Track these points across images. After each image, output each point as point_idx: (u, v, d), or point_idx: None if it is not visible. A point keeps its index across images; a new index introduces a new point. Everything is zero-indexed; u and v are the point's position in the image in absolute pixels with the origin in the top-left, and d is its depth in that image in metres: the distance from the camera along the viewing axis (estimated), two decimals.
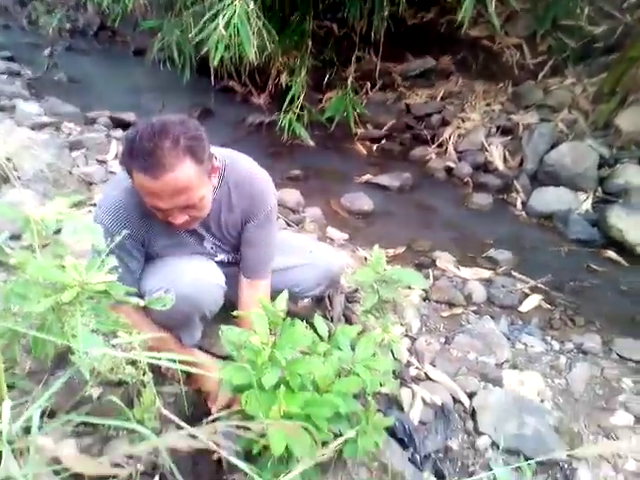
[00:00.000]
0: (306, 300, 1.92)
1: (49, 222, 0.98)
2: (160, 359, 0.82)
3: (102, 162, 3.16)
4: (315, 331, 1.32)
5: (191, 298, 1.33)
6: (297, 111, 4.10)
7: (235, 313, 1.31)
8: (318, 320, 1.30)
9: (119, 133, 3.68)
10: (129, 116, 3.97)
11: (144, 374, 1.16)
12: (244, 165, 1.46)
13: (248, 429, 0.91)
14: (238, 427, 0.93)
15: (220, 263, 1.52)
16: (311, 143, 4.09)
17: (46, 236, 1.02)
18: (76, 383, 1.58)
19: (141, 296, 1.32)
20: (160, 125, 1.17)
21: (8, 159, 2.85)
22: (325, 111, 4.42)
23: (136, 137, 1.15)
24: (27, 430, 1.19)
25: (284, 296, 1.24)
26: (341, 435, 1.15)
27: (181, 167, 1.16)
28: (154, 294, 1.30)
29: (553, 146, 3.81)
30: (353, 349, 1.32)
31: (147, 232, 1.40)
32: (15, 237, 2.26)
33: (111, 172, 3.02)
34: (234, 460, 0.84)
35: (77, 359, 0.78)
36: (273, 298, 1.26)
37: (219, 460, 1.47)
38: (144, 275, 1.42)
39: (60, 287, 0.89)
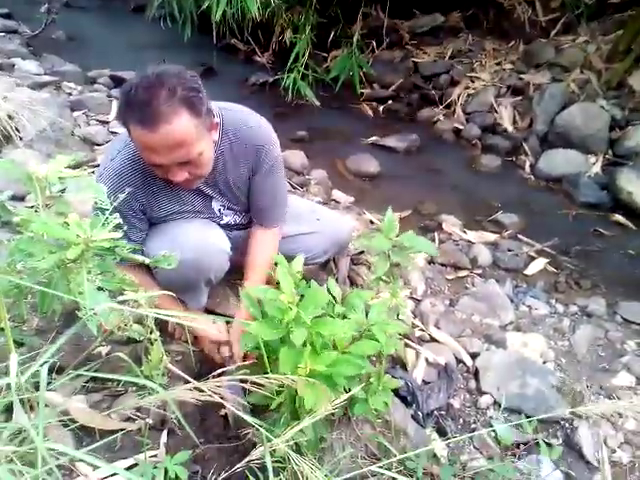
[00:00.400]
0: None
1: (53, 180, 0.96)
2: (167, 316, 0.83)
3: (104, 122, 3.10)
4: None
5: (196, 263, 1.32)
6: (302, 70, 4.00)
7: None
8: (332, 283, 1.30)
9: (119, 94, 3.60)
10: (130, 75, 3.88)
11: (151, 331, 1.17)
12: (243, 117, 1.41)
13: (260, 385, 0.92)
14: (252, 383, 0.94)
15: (226, 226, 1.51)
16: (316, 103, 4.01)
17: (50, 195, 1.01)
18: (84, 341, 1.61)
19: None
20: (156, 76, 1.13)
21: (10, 117, 2.81)
22: (330, 70, 4.30)
23: (131, 89, 1.12)
24: (37, 386, 1.21)
25: (300, 259, 1.24)
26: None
27: (178, 119, 1.13)
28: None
29: (564, 107, 3.71)
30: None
31: (151, 197, 1.38)
32: (17, 198, 2.25)
33: (113, 132, 2.97)
34: (243, 415, 0.85)
35: (84, 315, 0.78)
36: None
37: (226, 415, 1.50)
38: (147, 240, 1.41)
39: (65, 244, 0.89)
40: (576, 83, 3.91)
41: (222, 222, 1.52)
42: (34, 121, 2.86)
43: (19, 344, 1.15)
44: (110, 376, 0.80)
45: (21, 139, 2.83)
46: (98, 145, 2.81)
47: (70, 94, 3.35)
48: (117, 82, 3.82)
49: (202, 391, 0.67)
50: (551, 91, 3.77)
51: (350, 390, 1.21)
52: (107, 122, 3.11)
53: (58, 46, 4.56)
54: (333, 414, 1.31)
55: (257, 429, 1.25)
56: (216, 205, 1.49)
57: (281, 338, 1.15)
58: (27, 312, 1.06)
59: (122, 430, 1.42)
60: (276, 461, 1.21)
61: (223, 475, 1.07)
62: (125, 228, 0.97)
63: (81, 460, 1.15)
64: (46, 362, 0.65)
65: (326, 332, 1.16)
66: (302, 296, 1.19)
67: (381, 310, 1.32)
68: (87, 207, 1.45)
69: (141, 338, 1.19)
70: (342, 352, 1.19)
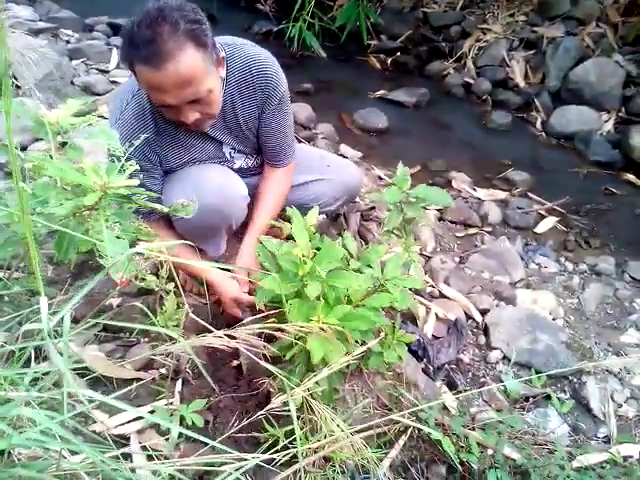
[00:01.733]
0: (321, 217, 1.90)
1: (64, 125, 0.92)
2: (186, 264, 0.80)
3: (104, 72, 3.01)
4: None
5: (219, 208, 1.31)
6: (308, 19, 3.84)
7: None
8: (348, 238, 1.28)
9: (119, 41, 3.47)
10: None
11: (167, 282, 1.16)
12: (248, 51, 1.35)
13: (274, 337, 0.91)
14: (266, 336, 0.93)
15: (238, 171, 1.48)
16: (323, 54, 3.87)
17: (61, 141, 0.98)
18: (96, 293, 1.60)
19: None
20: (157, 11, 1.07)
21: (7, 65, 2.71)
22: (336, 20, 4.14)
23: (133, 27, 1.06)
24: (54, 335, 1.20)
25: (315, 211, 1.22)
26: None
27: (184, 53, 1.09)
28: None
29: (578, 62, 3.60)
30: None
31: (165, 147, 1.34)
32: (22, 148, 2.20)
33: (113, 81, 2.88)
34: (263, 363, 0.85)
35: (105, 262, 0.76)
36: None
37: (237, 367, 1.52)
38: (166, 188, 1.38)
39: (80, 191, 0.86)
40: (591, 37, 3.78)
41: (235, 167, 1.49)
42: (32, 69, 2.77)
43: (33, 293, 1.14)
44: (129, 325, 0.78)
45: (19, 87, 2.75)
46: (99, 95, 2.73)
47: (68, 42, 3.23)
48: (116, 30, 3.68)
49: (233, 338, 0.65)
50: (565, 45, 3.64)
51: (364, 343, 1.21)
52: (107, 71, 3.01)
53: None
54: (348, 366, 1.33)
55: (274, 378, 1.27)
56: (227, 149, 1.46)
57: (296, 292, 1.14)
58: (41, 260, 1.05)
59: (137, 379, 1.44)
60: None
61: (243, 423, 1.08)
62: (141, 177, 0.94)
63: (108, 405, 1.15)
64: (72, 308, 0.63)
65: (340, 285, 1.14)
66: (317, 250, 1.18)
67: (396, 265, 1.31)
68: (97, 156, 1.41)
69: (157, 289, 1.18)
70: (355, 306, 1.19)
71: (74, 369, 1.30)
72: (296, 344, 1.17)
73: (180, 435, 1.31)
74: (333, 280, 1.11)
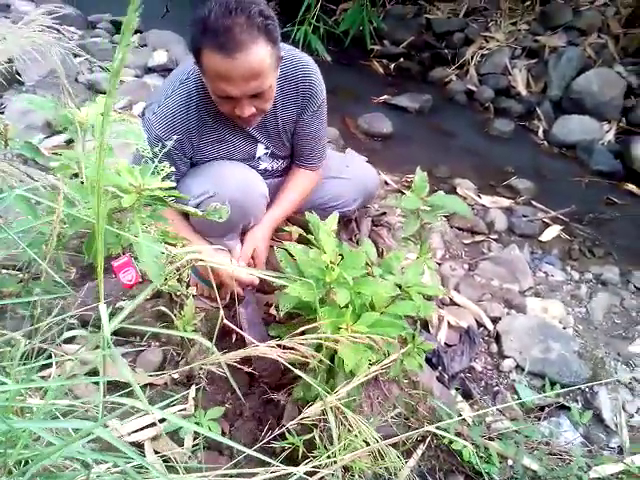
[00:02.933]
0: None
1: (95, 122, 0.90)
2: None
3: (107, 70, 2.97)
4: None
5: (240, 204, 1.30)
6: (313, 22, 3.83)
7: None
8: (368, 245, 1.27)
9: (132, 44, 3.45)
10: None
11: (188, 287, 1.14)
12: (294, 56, 1.36)
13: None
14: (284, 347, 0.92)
15: (261, 173, 1.47)
16: (327, 58, 3.86)
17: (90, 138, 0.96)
18: (106, 296, 1.57)
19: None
20: (234, 1, 1.07)
21: (9, 61, 2.67)
22: (339, 24, 4.13)
23: (210, 14, 1.06)
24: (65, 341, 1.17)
25: (335, 217, 1.21)
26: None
27: (256, 46, 1.09)
28: (200, 198, 1.27)
29: (580, 72, 3.63)
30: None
31: (200, 137, 1.34)
32: None
33: (120, 80, 2.85)
34: (296, 370, 0.83)
35: (144, 265, 0.74)
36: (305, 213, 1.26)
37: (251, 373, 1.49)
38: (186, 180, 1.37)
39: (113, 192, 0.84)
40: (593, 48, 3.81)
41: (259, 168, 1.49)
42: (35, 66, 2.73)
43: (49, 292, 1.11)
44: (160, 331, 0.76)
45: (22, 84, 2.71)
46: (104, 93, 2.70)
47: (71, 39, 3.18)
48: (119, 28, 3.64)
49: (286, 348, 0.64)
50: (568, 55, 3.67)
51: (387, 350, 1.20)
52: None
53: None
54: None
55: (289, 387, 1.25)
56: (261, 149, 1.47)
57: (320, 298, 1.13)
58: (65, 263, 1.03)
59: (148, 384, 1.41)
60: (309, 421, 1.21)
61: (265, 433, 1.06)
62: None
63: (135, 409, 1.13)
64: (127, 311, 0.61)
65: (367, 292, 1.14)
66: (341, 256, 1.17)
67: (416, 272, 1.30)
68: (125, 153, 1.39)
69: (178, 292, 1.16)
70: (380, 313, 1.18)
71: (85, 373, 1.27)
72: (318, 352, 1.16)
73: (195, 443, 1.29)
74: (359, 287, 1.10)
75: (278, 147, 1.48)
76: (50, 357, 1.11)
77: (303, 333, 1.04)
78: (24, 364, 0.87)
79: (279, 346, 0.86)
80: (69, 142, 2.27)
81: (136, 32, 3.66)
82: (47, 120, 2.26)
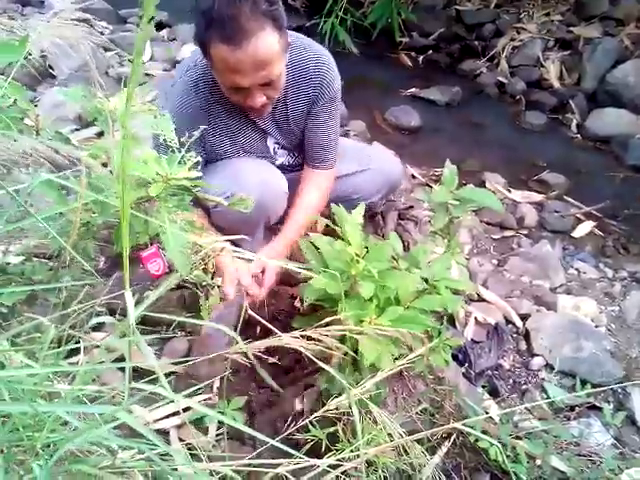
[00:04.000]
0: None
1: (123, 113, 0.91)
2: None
3: (131, 61, 3.01)
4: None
5: (260, 202, 1.28)
6: (340, 14, 3.80)
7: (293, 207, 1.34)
8: (393, 237, 1.25)
9: (152, 33, 3.49)
10: (161, 15, 3.74)
11: (213, 277, 1.14)
12: (305, 45, 1.33)
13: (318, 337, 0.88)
14: (308, 338, 0.91)
15: (280, 167, 1.46)
16: (354, 50, 3.83)
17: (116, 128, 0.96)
18: (133, 285, 1.59)
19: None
20: None
21: (42, 56, 2.73)
22: (367, 16, 4.09)
23: (213, 5, 1.04)
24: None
25: (361, 209, 1.19)
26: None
27: (263, 33, 1.07)
28: (221, 195, 1.26)
29: (616, 64, 3.51)
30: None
31: (211, 133, 1.33)
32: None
33: (147, 74, 2.88)
34: (319, 362, 0.82)
35: (171, 254, 0.74)
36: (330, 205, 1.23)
37: (274, 364, 1.50)
38: (205, 178, 1.37)
39: (138, 182, 0.84)
40: (630, 38, 3.67)
41: (277, 163, 1.47)
42: (67, 60, 2.79)
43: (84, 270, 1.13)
44: (191, 320, 0.76)
45: (54, 78, 2.76)
46: None
47: (102, 33, 3.24)
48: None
49: (311, 339, 0.63)
50: (604, 46, 3.55)
51: (412, 346, 1.18)
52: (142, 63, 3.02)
53: None
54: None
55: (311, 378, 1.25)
56: (271, 142, 1.44)
57: (344, 291, 1.11)
58: (93, 252, 1.04)
59: (174, 373, 1.43)
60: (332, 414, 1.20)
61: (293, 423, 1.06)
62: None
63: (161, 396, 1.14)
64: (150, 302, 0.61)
65: (392, 285, 1.12)
66: (366, 249, 1.15)
67: (444, 266, 1.27)
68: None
69: (205, 283, 1.16)
70: (406, 307, 1.16)
71: (112, 361, 1.29)
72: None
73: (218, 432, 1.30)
74: (385, 280, 1.09)
75: (289, 140, 1.45)
76: (78, 344, 1.14)
77: (327, 326, 1.04)
78: (53, 350, 0.89)
79: (303, 337, 0.85)
80: (100, 135, 2.31)
81: (165, 26, 3.69)
82: (78, 113, 2.30)
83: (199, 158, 0.84)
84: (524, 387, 1.53)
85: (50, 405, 0.58)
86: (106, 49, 3.05)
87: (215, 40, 1.07)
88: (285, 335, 0.61)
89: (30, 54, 1.28)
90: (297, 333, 0.62)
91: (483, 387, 1.50)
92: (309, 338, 0.93)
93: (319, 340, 0.65)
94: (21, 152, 0.95)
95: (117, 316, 1.36)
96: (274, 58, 1.12)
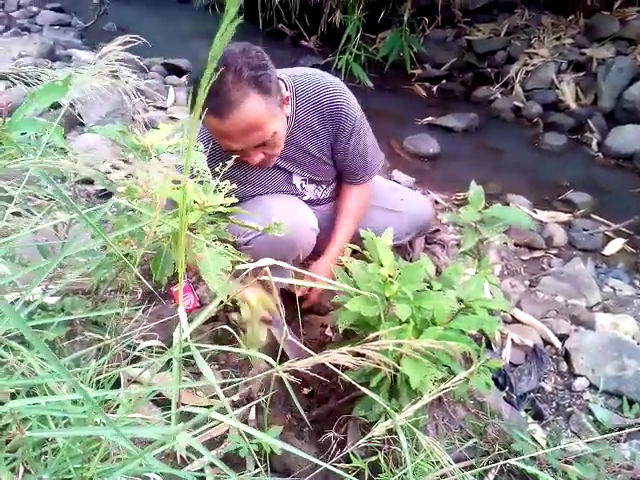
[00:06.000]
0: None
1: (159, 147, 0.94)
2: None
3: (162, 108, 3.13)
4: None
5: (290, 239, 1.29)
6: (354, 51, 3.91)
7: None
8: (424, 259, 1.24)
9: (174, 79, 3.63)
10: (182, 62, 3.90)
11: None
12: (318, 81, 1.34)
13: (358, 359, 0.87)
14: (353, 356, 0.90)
15: (308, 202, 1.47)
16: (370, 84, 3.92)
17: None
18: (164, 318, 1.61)
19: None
20: (220, 60, 1.09)
21: (72, 105, 2.85)
22: (379, 50, 4.19)
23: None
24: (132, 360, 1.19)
25: (390, 232, 1.19)
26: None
27: (247, 100, 1.09)
28: (249, 236, 1.27)
29: (631, 82, 3.52)
30: None
31: (233, 178, 1.36)
32: (86, 181, 2.27)
33: (172, 117, 2.98)
34: (359, 386, 0.81)
35: (210, 280, 0.75)
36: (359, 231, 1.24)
37: (309, 394, 1.48)
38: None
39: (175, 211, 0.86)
40: None
41: (304, 198, 1.49)
42: (96, 108, 2.91)
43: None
44: (221, 348, 0.76)
45: (84, 125, 2.88)
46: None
47: (127, 82, 3.38)
48: (170, 69, 3.85)
49: (361, 355, 0.62)
50: (618, 65, 3.56)
51: (450, 369, 1.16)
52: (165, 108, 3.13)
53: (110, 37, 4.58)
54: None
55: (345, 407, 1.22)
56: (297, 180, 1.45)
57: (377, 315, 1.10)
58: (133, 283, 1.06)
59: (209, 406, 1.42)
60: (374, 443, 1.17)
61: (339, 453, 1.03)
62: None
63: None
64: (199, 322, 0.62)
65: (428, 307, 1.10)
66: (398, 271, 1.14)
67: (478, 286, 1.26)
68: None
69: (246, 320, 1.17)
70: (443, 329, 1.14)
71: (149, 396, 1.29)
72: (378, 370, 1.13)
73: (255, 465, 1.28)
74: (420, 301, 1.07)
75: (315, 173, 1.46)
76: (118, 379, 1.14)
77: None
78: (96, 384, 0.90)
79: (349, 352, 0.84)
80: (128, 176, 2.38)
81: (186, 72, 3.85)
82: (107, 157, 2.38)
83: (234, 185, 0.86)
84: (569, 409, 1.48)
85: (104, 429, 0.58)
86: (131, 96, 3.17)
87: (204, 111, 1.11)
88: (332, 351, 0.61)
89: (61, 104, 1.35)
90: (344, 349, 0.61)
91: (526, 411, 1.45)
92: (354, 355, 0.92)
93: (363, 355, 0.64)
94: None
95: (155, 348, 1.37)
96: (262, 122, 1.14)
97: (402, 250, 1.90)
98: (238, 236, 1.30)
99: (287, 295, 1.54)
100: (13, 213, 0.92)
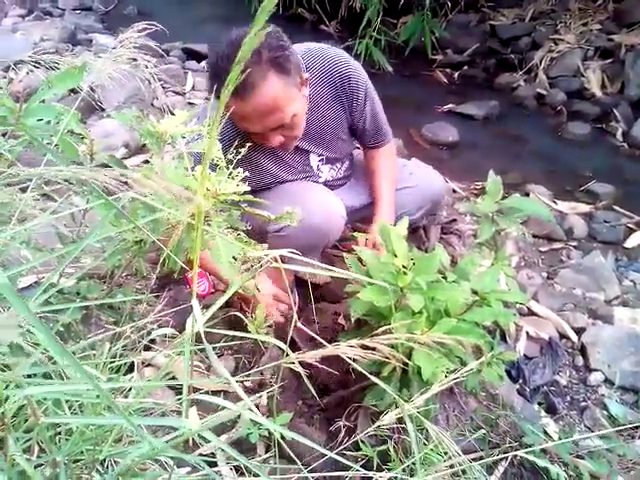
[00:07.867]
0: None
1: (174, 135, 0.94)
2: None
3: (180, 94, 3.13)
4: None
5: (322, 227, 1.29)
6: (374, 35, 3.85)
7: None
8: (439, 249, 1.23)
9: (193, 64, 3.63)
10: (202, 47, 3.89)
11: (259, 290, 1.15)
12: (324, 55, 1.34)
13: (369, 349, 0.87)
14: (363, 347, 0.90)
15: (325, 184, 1.47)
16: (389, 69, 3.86)
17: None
18: (179, 303, 1.63)
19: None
20: (239, 41, 1.08)
21: (92, 89, 2.87)
22: (400, 35, 4.12)
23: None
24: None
25: (405, 222, 1.18)
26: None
27: (268, 82, 1.09)
28: (281, 224, 1.27)
29: None
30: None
31: (254, 166, 1.36)
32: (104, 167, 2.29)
33: (190, 103, 2.99)
34: (372, 377, 0.81)
35: (222, 267, 0.75)
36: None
37: (320, 384, 1.48)
38: (267, 201, 1.40)
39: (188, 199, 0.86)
40: None
41: (320, 180, 1.49)
42: (114, 93, 2.93)
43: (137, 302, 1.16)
44: (233, 333, 0.77)
45: (103, 110, 2.90)
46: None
47: (146, 67, 3.39)
48: (189, 54, 3.85)
49: (367, 348, 0.62)
50: None
51: (463, 360, 1.15)
52: (183, 93, 3.13)
53: (130, 21, 4.60)
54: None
55: (355, 397, 1.23)
56: (314, 159, 1.46)
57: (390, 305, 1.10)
58: (145, 270, 1.08)
59: (222, 391, 1.44)
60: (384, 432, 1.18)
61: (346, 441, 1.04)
62: None
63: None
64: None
65: (442, 298, 1.10)
66: (412, 261, 1.14)
67: (494, 278, 1.24)
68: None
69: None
70: (457, 321, 1.13)
71: (162, 378, 1.31)
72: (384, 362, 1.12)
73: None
74: (434, 292, 1.07)
75: (332, 149, 1.46)
76: (132, 362, 1.16)
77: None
78: (109, 367, 0.91)
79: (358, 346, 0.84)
80: (146, 162, 2.40)
81: (205, 57, 3.84)
82: (126, 142, 2.40)
83: (247, 173, 0.86)
84: (583, 404, 1.46)
85: (116, 417, 0.59)
86: (150, 81, 3.18)
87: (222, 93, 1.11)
88: (341, 344, 0.61)
89: (80, 89, 1.36)
90: (354, 342, 0.61)
91: (539, 404, 1.44)
92: (364, 348, 0.92)
93: (374, 349, 0.64)
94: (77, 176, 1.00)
95: (168, 336, 1.38)
96: (282, 103, 1.13)
97: (417, 239, 1.88)
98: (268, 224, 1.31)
99: (304, 284, 1.55)
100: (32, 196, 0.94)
